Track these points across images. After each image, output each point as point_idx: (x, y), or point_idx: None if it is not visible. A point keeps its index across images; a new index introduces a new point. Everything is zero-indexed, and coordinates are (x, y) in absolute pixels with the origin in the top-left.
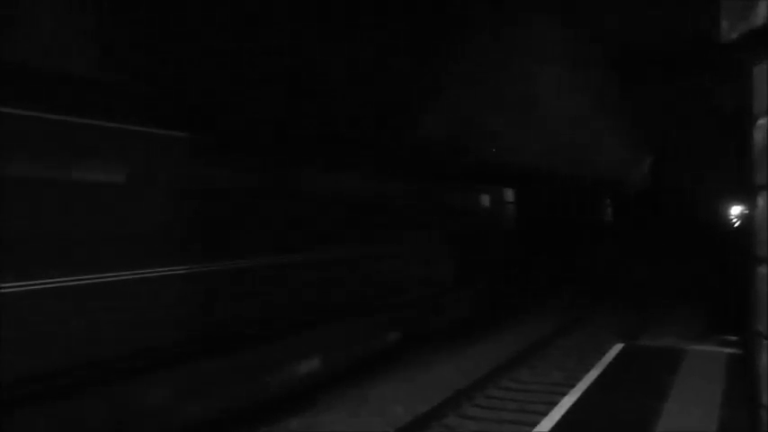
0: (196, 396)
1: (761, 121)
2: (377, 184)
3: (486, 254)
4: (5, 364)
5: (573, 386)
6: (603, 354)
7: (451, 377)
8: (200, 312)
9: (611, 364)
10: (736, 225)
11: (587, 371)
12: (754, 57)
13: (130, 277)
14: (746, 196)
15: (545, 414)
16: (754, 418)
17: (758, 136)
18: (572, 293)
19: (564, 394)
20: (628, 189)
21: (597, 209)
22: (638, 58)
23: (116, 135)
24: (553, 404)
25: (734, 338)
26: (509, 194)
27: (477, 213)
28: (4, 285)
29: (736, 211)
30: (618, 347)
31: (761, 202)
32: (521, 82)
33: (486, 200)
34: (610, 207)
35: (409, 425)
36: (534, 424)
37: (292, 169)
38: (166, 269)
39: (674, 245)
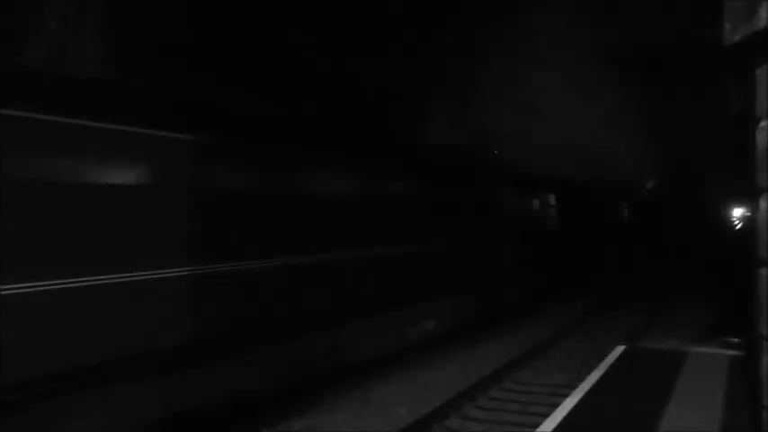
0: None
1: (763, 123)
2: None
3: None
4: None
5: (575, 387)
6: (605, 355)
7: (453, 378)
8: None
9: (612, 366)
10: (738, 227)
11: (589, 372)
12: (756, 59)
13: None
14: (749, 199)
15: (547, 415)
16: (756, 420)
17: (760, 138)
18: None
19: (566, 395)
20: (640, 194)
21: (613, 213)
22: (640, 58)
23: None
24: (555, 405)
25: (736, 341)
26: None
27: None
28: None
29: (738, 213)
30: (619, 349)
31: (763, 204)
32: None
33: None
34: (626, 210)
35: (411, 426)
36: (536, 425)
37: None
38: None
39: (680, 246)
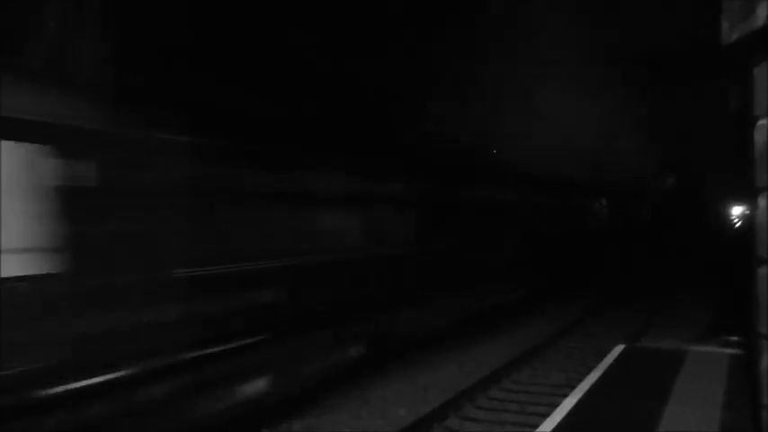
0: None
1: (761, 122)
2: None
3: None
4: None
5: (574, 387)
6: (605, 355)
7: (453, 378)
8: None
9: (612, 366)
10: (738, 226)
11: (589, 372)
12: (754, 58)
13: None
14: (748, 197)
15: (546, 415)
16: (756, 420)
17: (759, 137)
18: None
19: (565, 395)
20: (641, 194)
21: (613, 212)
22: (645, 58)
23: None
24: (554, 405)
25: (736, 339)
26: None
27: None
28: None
29: (737, 211)
30: (619, 349)
31: (762, 203)
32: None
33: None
34: (626, 210)
35: (410, 426)
36: (536, 425)
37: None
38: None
39: (680, 246)
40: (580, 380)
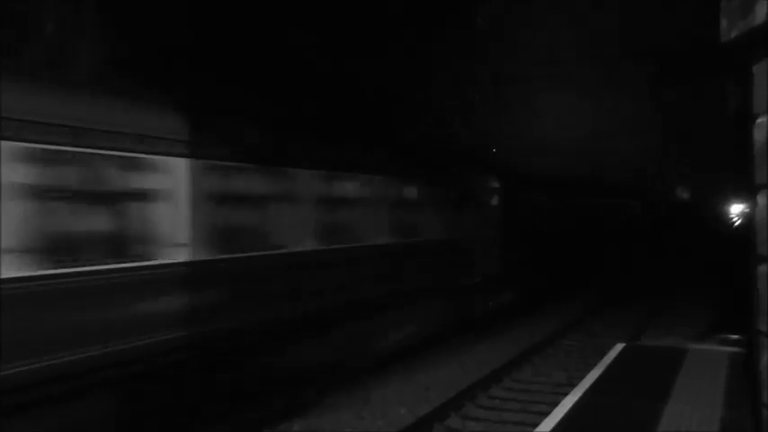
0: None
1: (761, 120)
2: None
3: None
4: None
5: (575, 385)
6: (605, 353)
7: (454, 377)
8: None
9: (612, 364)
10: (737, 225)
11: (589, 370)
12: (753, 55)
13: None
14: (748, 196)
15: (547, 414)
16: (757, 418)
17: (758, 134)
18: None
19: (566, 394)
20: (641, 194)
21: (613, 213)
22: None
23: None
24: (555, 404)
25: (736, 338)
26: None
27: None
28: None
29: (736, 209)
30: (619, 347)
31: (761, 200)
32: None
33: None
34: (626, 210)
35: (412, 426)
36: (536, 424)
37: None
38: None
39: (679, 246)
40: (581, 378)
